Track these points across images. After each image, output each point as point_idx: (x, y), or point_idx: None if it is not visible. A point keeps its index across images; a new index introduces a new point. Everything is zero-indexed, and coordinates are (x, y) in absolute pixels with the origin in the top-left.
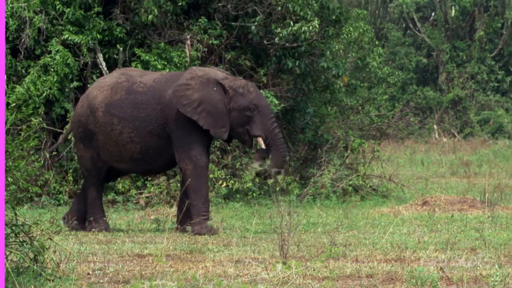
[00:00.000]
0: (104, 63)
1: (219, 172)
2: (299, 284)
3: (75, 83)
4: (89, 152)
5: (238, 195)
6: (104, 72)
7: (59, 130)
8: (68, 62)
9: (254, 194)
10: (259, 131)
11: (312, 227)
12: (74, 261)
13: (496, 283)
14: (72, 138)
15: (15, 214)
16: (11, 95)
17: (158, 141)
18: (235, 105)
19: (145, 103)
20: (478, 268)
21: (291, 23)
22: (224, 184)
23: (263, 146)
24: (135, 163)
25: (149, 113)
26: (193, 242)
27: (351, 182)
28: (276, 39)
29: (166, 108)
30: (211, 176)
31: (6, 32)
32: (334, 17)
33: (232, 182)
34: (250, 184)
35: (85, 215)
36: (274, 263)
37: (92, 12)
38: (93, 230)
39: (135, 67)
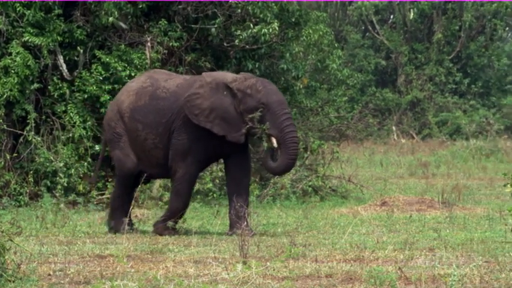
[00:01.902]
0: (64, 65)
1: None
2: (259, 283)
3: (36, 85)
4: (126, 154)
5: (198, 196)
6: (64, 74)
7: (19, 132)
8: (28, 63)
9: (214, 195)
10: (272, 130)
11: (271, 227)
12: (34, 262)
13: (453, 283)
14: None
15: None
16: None
17: None
18: (245, 107)
19: (167, 109)
20: (436, 268)
21: (251, 25)
22: None
23: (275, 145)
24: (163, 168)
25: (169, 118)
26: (154, 243)
27: (310, 183)
28: (236, 41)
29: (181, 111)
30: None
31: None
32: (293, 20)
33: None
34: (211, 185)
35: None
36: (234, 263)
37: (53, 14)
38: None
39: (95, 69)
